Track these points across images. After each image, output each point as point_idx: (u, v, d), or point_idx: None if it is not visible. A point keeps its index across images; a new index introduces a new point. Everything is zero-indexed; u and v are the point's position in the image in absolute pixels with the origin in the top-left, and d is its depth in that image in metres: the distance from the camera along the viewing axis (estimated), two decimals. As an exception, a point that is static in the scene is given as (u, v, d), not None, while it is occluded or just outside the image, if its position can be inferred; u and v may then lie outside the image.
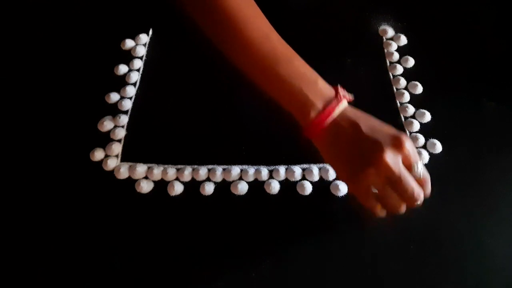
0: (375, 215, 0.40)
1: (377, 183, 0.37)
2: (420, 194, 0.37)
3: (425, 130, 0.50)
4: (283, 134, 0.50)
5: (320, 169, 0.47)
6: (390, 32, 0.59)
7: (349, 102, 0.41)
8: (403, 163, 0.37)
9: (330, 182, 0.46)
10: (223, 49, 0.45)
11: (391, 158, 0.37)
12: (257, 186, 0.46)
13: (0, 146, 0.50)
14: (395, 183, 0.37)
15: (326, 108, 0.40)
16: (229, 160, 0.48)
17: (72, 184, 0.47)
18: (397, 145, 0.37)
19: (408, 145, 0.37)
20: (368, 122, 0.39)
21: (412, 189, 0.37)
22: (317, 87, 0.41)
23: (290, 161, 0.48)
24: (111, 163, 0.48)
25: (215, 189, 0.46)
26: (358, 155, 0.38)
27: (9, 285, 0.42)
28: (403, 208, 0.39)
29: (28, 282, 0.41)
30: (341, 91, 0.41)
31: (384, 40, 0.59)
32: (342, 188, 0.45)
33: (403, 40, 0.58)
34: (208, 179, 0.47)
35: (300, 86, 0.41)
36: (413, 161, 0.38)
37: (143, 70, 0.57)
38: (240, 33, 0.43)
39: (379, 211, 0.39)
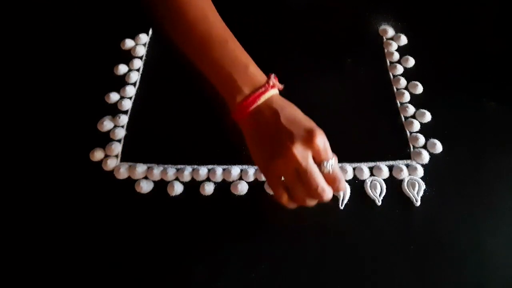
0: (283, 205, 0.40)
1: (285, 174, 0.38)
2: (325, 190, 0.38)
3: (426, 130, 0.49)
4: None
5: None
6: (390, 32, 0.59)
7: (280, 91, 0.42)
8: (314, 158, 0.38)
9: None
10: (167, 29, 0.46)
11: (300, 151, 0.37)
12: (257, 186, 0.46)
13: (0, 146, 0.50)
14: (301, 176, 0.37)
15: (252, 95, 0.41)
16: (229, 160, 0.48)
17: (72, 184, 0.47)
18: (308, 140, 0.37)
19: (319, 140, 0.38)
20: (289, 113, 0.40)
21: (317, 184, 0.37)
22: (247, 72, 0.42)
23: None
24: (111, 163, 0.48)
25: (215, 189, 0.46)
26: (272, 144, 0.39)
27: (9, 285, 0.41)
28: (309, 202, 0.39)
29: (28, 282, 0.41)
30: (272, 80, 0.42)
31: (384, 40, 0.59)
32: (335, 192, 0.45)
33: (403, 40, 0.58)
34: (208, 179, 0.47)
35: (230, 70, 0.42)
36: (322, 157, 0.38)
37: (143, 70, 0.57)
38: (180, 12, 0.44)
39: (285, 202, 0.40)
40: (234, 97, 0.41)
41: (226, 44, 0.44)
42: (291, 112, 0.40)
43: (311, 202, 0.40)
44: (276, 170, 0.38)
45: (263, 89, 0.41)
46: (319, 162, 0.38)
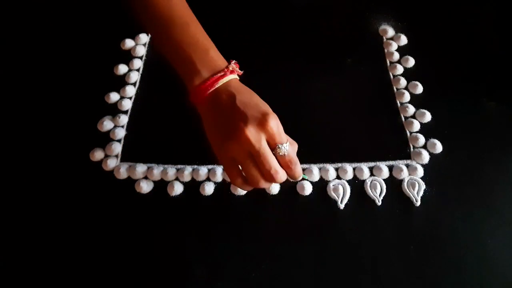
0: (237, 186, 0.41)
1: (238, 155, 0.38)
2: (278, 172, 0.38)
3: (426, 130, 0.50)
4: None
5: (320, 169, 0.47)
6: (390, 32, 0.59)
7: (240, 76, 0.43)
8: (269, 142, 0.38)
9: (328, 182, 0.46)
10: (134, 12, 0.46)
11: (253, 133, 0.38)
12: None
13: (0, 146, 0.50)
14: (255, 157, 0.38)
15: (210, 78, 0.41)
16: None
17: (72, 184, 0.47)
18: (262, 122, 0.38)
19: (273, 123, 0.38)
20: (245, 97, 0.40)
21: (270, 165, 0.38)
22: (207, 56, 0.43)
23: (290, 161, 0.48)
24: (111, 163, 0.48)
25: (215, 189, 0.46)
26: (226, 126, 0.39)
27: (9, 285, 0.42)
28: (263, 184, 0.39)
29: (28, 282, 0.41)
30: (232, 65, 0.42)
31: (384, 40, 0.59)
32: (333, 193, 0.45)
33: (403, 40, 0.58)
34: (208, 179, 0.47)
35: (190, 52, 0.42)
36: (276, 140, 0.38)
37: (143, 70, 0.56)
38: None
39: (240, 184, 0.40)
40: (192, 79, 0.42)
41: (188, 26, 0.44)
42: (247, 96, 0.41)
43: (265, 184, 0.40)
44: (229, 151, 0.39)
45: (222, 73, 0.41)
46: (273, 146, 0.39)
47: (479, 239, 0.42)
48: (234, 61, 0.43)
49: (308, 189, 0.45)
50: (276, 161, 0.39)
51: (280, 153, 0.39)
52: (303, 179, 0.45)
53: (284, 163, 0.40)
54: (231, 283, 0.40)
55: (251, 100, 0.40)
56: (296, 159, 0.40)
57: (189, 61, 0.42)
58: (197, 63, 0.42)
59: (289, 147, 0.39)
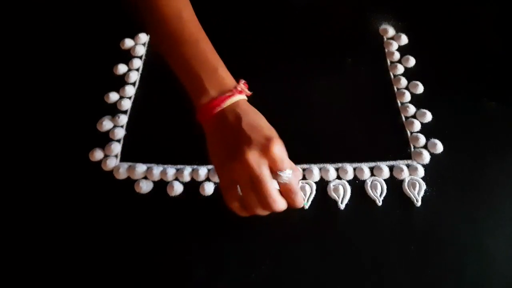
0: (233, 210, 0.40)
1: (239, 178, 0.38)
2: (275, 201, 0.38)
3: (426, 130, 0.49)
4: (283, 134, 0.50)
5: (320, 169, 0.47)
6: (391, 31, 0.59)
7: (248, 98, 0.42)
8: (271, 168, 0.38)
9: (328, 183, 0.46)
10: (145, 27, 0.46)
11: (255, 157, 0.37)
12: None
13: (0, 146, 0.50)
14: (254, 183, 0.37)
15: (218, 98, 0.41)
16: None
17: (71, 184, 0.47)
18: (265, 147, 0.37)
19: (277, 149, 0.37)
20: (252, 119, 0.40)
21: (268, 193, 0.37)
22: (216, 75, 0.42)
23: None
24: (110, 163, 0.48)
25: (215, 189, 0.46)
26: (229, 148, 0.39)
27: (9, 285, 0.41)
28: (260, 211, 0.39)
29: (27, 282, 0.41)
30: (241, 85, 0.42)
31: (385, 39, 0.59)
32: (334, 193, 0.45)
33: (404, 40, 0.58)
34: (207, 179, 0.47)
35: (198, 71, 0.42)
36: (278, 167, 0.38)
37: (142, 70, 0.56)
38: (154, 9, 0.45)
39: (235, 208, 0.40)
40: (200, 98, 0.41)
41: (197, 44, 0.44)
42: (254, 119, 0.40)
43: (262, 212, 0.39)
44: (230, 173, 0.38)
45: (230, 93, 0.41)
46: (275, 172, 0.38)
47: (479, 240, 0.42)
48: (243, 81, 0.43)
49: (308, 189, 0.45)
50: (275, 189, 0.38)
51: (281, 181, 0.38)
52: (304, 205, 0.44)
53: (285, 191, 0.39)
54: (231, 283, 0.40)
55: (257, 123, 0.40)
56: (297, 189, 0.40)
57: (197, 79, 0.42)
58: (205, 82, 0.42)
59: (291, 175, 0.39)
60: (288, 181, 0.38)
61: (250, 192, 0.38)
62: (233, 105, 0.41)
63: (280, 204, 0.39)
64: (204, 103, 0.41)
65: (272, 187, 0.38)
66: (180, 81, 0.44)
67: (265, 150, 0.37)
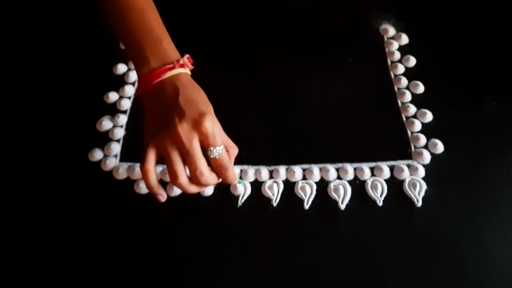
0: (147, 184, 0.40)
1: (165, 150, 0.38)
2: (203, 174, 0.38)
3: (427, 130, 0.49)
4: (283, 134, 0.50)
5: (320, 169, 0.47)
6: (391, 31, 0.59)
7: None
8: (203, 143, 0.38)
9: (328, 183, 0.46)
10: (96, 2, 0.47)
11: (185, 131, 0.38)
12: (257, 186, 0.46)
13: (-1, 146, 0.50)
14: (184, 156, 0.38)
15: (158, 69, 0.41)
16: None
17: (71, 184, 0.47)
18: (197, 122, 0.38)
19: (208, 125, 0.38)
20: (189, 93, 0.40)
21: (196, 166, 0.38)
22: (159, 46, 0.43)
23: (290, 161, 0.47)
24: (110, 163, 0.47)
25: (215, 189, 0.46)
26: (163, 119, 0.39)
27: (8, 285, 0.41)
28: (182, 179, 0.39)
29: (27, 282, 0.41)
30: (184, 59, 0.43)
31: (385, 39, 0.58)
32: (334, 194, 0.45)
33: (404, 39, 0.58)
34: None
35: (142, 41, 0.43)
36: (210, 142, 0.38)
37: (189, 56, 0.56)
38: None
39: (151, 182, 0.40)
40: (141, 67, 0.42)
41: (143, 14, 0.44)
42: (192, 93, 0.41)
43: (191, 188, 0.39)
44: (158, 144, 0.39)
45: (171, 65, 0.41)
46: (207, 147, 0.39)
47: (480, 240, 0.42)
48: (187, 56, 0.43)
49: (307, 191, 0.45)
50: (204, 163, 0.38)
51: (211, 156, 0.39)
52: (239, 182, 0.45)
53: (216, 166, 0.40)
54: (230, 283, 0.40)
55: (194, 98, 0.40)
56: (228, 164, 0.40)
57: (140, 49, 0.43)
58: (148, 52, 0.42)
59: (222, 151, 0.39)
60: (218, 156, 0.39)
61: (175, 163, 0.38)
62: (173, 77, 0.41)
63: (209, 178, 0.39)
64: (144, 73, 0.42)
65: (202, 160, 0.38)
66: (127, 51, 0.44)
67: (196, 124, 0.38)
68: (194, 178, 0.39)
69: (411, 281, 0.40)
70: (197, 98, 0.40)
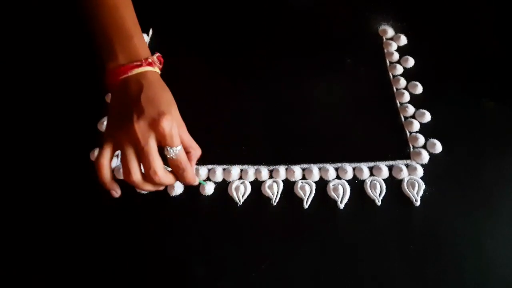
0: (99, 179, 0.39)
1: (124, 147, 0.38)
2: (156, 173, 0.38)
3: (425, 130, 0.50)
4: (283, 134, 0.50)
5: (320, 169, 0.47)
6: (390, 32, 0.59)
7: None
8: (160, 142, 0.38)
9: (327, 182, 0.46)
10: None
11: (142, 129, 0.37)
12: (257, 186, 0.46)
13: (0, 146, 0.50)
14: (140, 154, 0.38)
15: (125, 65, 0.41)
16: (229, 160, 0.48)
17: (72, 184, 0.47)
18: (154, 121, 0.38)
19: (165, 125, 0.38)
20: (153, 93, 0.40)
21: (150, 165, 0.37)
22: (129, 43, 0.43)
23: (289, 161, 0.48)
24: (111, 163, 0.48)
25: (215, 189, 0.46)
26: (123, 116, 0.39)
27: (8, 285, 0.42)
28: (135, 176, 0.38)
29: (27, 281, 0.41)
30: (154, 58, 0.43)
31: (384, 40, 0.59)
32: (333, 193, 0.45)
33: (403, 40, 0.58)
34: (208, 179, 0.47)
35: (113, 36, 0.43)
36: (167, 142, 0.38)
37: (160, 55, 0.56)
38: None
39: (104, 177, 0.39)
40: (109, 62, 0.42)
41: (117, 10, 0.44)
42: (156, 92, 0.40)
43: (145, 185, 0.39)
44: (115, 140, 0.39)
45: (138, 62, 0.41)
46: (164, 147, 0.39)
47: (478, 239, 0.42)
48: (158, 54, 0.43)
49: (307, 190, 0.45)
50: (159, 162, 0.38)
51: (168, 156, 0.39)
52: (200, 184, 0.45)
53: (173, 167, 0.40)
54: (231, 283, 0.40)
55: (157, 97, 0.40)
56: (185, 165, 0.40)
57: (110, 44, 0.43)
58: (117, 47, 0.42)
59: (180, 152, 0.39)
60: (175, 156, 0.39)
61: (130, 161, 0.38)
62: (139, 75, 0.41)
63: (163, 178, 0.39)
64: (111, 68, 0.42)
65: (157, 160, 0.38)
66: (96, 44, 0.44)
67: (154, 123, 0.38)
68: (147, 177, 0.38)
69: (409, 279, 0.40)
70: (159, 97, 0.40)
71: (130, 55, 0.42)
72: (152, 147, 0.38)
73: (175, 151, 0.39)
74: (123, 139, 0.38)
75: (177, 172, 0.40)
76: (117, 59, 0.42)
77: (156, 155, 0.38)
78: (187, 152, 0.41)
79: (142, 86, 0.40)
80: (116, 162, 0.48)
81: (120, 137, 0.38)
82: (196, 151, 0.42)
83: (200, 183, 0.45)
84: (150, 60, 0.42)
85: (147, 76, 0.41)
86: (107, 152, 0.39)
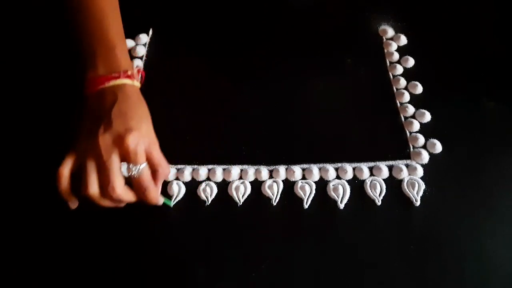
0: (57, 189, 0.39)
1: (86, 159, 0.37)
2: (114, 190, 0.37)
3: (425, 130, 0.50)
4: (283, 134, 0.50)
5: (320, 169, 0.47)
6: (390, 32, 0.59)
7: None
8: (125, 159, 0.38)
9: (328, 182, 0.46)
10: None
11: (106, 143, 0.37)
12: (257, 186, 0.46)
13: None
14: (101, 168, 0.37)
15: (103, 76, 0.41)
16: (229, 160, 0.48)
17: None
18: (120, 136, 0.37)
19: (131, 141, 0.37)
20: (126, 107, 0.40)
21: (109, 180, 0.37)
22: (110, 54, 0.43)
23: (289, 161, 0.48)
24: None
25: (214, 189, 0.46)
26: (92, 127, 0.38)
27: (8, 284, 0.42)
28: (91, 190, 0.37)
29: (26, 281, 0.41)
30: (133, 71, 0.42)
31: (384, 40, 0.59)
32: (333, 193, 0.45)
33: (403, 40, 0.58)
34: (208, 179, 0.47)
35: (95, 45, 0.43)
36: (131, 159, 0.37)
37: (143, 70, 0.56)
38: None
39: (61, 187, 0.39)
40: (88, 71, 0.42)
41: (102, 19, 0.44)
42: (129, 106, 0.40)
43: (102, 201, 0.39)
44: (79, 151, 0.38)
45: (116, 74, 0.41)
46: (128, 164, 0.38)
47: (479, 239, 0.42)
48: (138, 68, 0.44)
49: (307, 190, 0.45)
50: (119, 179, 0.37)
51: (130, 173, 0.38)
52: (165, 204, 0.44)
53: (134, 185, 0.39)
54: (231, 283, 0.41)
55: (129, 112, 0.39)
56: (147, 184, 0.39)
57: (91, 53, 0.43)
58: (98, 58, 0.42)
59: (143, 170, 0.38)
60: (137, 175, 0.38)
61: (89, 174, 0.37)
62: (116, 87, 0.41)
63: (122, 195, 0.38)
64: (90, 78, 0.41)
65: (115, 175, 0.37)
66: (79, 51, 0.44)
67: (119, 139, 0.37)
68: (105, 192, 0.37)
69: (409, 280, 0.40)
70: (132, 112, 0.39)
71: (110, 66, 0.42)
72: (113, 162, 0.37)
73: (138, 169, 0.38)
74: (87, 151, 0.38)
75: (139, 191, 0.39)
76: (97, 69, 0.42)
77: (116, 171, 0.37)
78: (155, 171, 0.40)
79: (116, 99, 0.40)
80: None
81: (83, 148, 0.38)
82: (165, 170, 0.41)
83: (164, 203, 0.43)
84: (129, 73, 0.42)
85: (125, 89, 0.41)
86: (68, 162, 0.39)
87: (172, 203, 0.45)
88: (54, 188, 0.46)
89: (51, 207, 0.45)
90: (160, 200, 0.42)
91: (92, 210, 0.45)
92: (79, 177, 0.39)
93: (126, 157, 0.38)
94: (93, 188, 0.38)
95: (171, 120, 0.52)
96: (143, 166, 0.38)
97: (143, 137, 0.39)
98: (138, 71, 0.43)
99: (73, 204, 0.41)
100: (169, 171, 0.42)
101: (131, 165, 0.38)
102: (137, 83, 0.43)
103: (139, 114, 0.40)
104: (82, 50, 0.44)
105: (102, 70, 0.42)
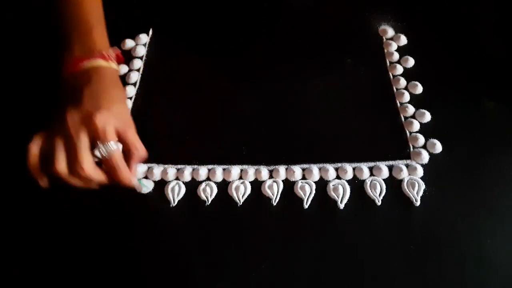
0: (27, 165, 0.39)
1: (54, 136, 0.37)
2: (83, 168, 0.37)
3: (425, 130, 0.50)
4: (283, 134, 0.50)
5: (320, 169, 0.47)
6: (390, 32, 0.59)
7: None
8: (94, 138, 0.37)
9: (327, 182, 0.46)
10: None
11: (74, 121, 0.37)
12: (257, 186, 0.46)
13: (0, 145, 0.50)
14: (69, 146, 0.37)
15: (78, 57, 0.41)
16: (229, 160, 0.48)
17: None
18: (88, 115, 0.37)
19: (99, 120, 0.37)
20: (99, 88, 0.40)
21: (77, 157, 0.37)
22: (87, 36, 0.43)
23: (289, 161, 0.48)
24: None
25: (215, 188, 0.46)
26: (63, 107, 0.38)
27: (7, 284, 0.42)
28: (58, 167, 0.37)
29: (26, 281, 0.42)
30: (110, 52, 0.43)
31: (384, 40, 0.59)
32: (333, 193, 0.45)
33: (403, 40, 0.58)
34: (208, 179, 0.47)
35: (72, 28, 0.43)
36: (99, 138, 0.37)
37: (143, 70, 0.57)
38: None
39: (30, 162, 0.38)
40: (65, 53, 0.42)
41: (81, 5, 0.45)
42: (102, 88, 0.40)
43: (71, 179, 0.38)
44: (47, 128, 0.38)
45: (91, 56, 0.41)
46: (96, 142, 0.38)
47: (479, 239, 0.42)
48: (116, 49, 0.44)
49: (307, 190, 0.45)
50: (87, 157, 0.37)
51: (100, 152, 0.38)
52: (140, 184, 0.43)
53: (104, 164, 0.39)
54: (231, 283, 0.41)
55: (101, 92, 0.39)
56: (117, 164, 0.38)
57: (68, 36, 0.43)
58: (74, 40, 0.43)
59: (112, 149, 0.38)
60: (106, 154, 0.38)
61: (57, 150, 0.37)
62: (92, 69, 0.41)
63: (89, 173, 0.37)
64: (66, 59, 0.42)
65: (83, 153, 0.37)
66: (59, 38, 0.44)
67: (87, 117, 0.37)
68: (73, 170, 0.37)
69: (410, 280, 0.40)
70: (105, 93, 0.39)
71: (85, 47, 0.42)
72: (81, 139, 0.37)
73: (107, 147, 0.38)
74: (55, 129, 0.38)
75: (109, 171, 0.39)
76: (73, 51, 0.42)
77: (84, 148, 0.37)
78: (129, 152, 0.40)
79: (90, 80, 0.40)
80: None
81: (53, 126, 0.38)
82: (140, 152, 0.40)
83: (141, 186, 0.43)
84: (104, 53, 0.42)
85: (100, 71, 0.41)
86: (37, 140, 0.38)
87: (151, 186, 0.44)
88: (56, 186, 0.46)
89: (51, 207, 0.45)
90: (134, 181, 0.41)
91: (92, 210, 0.45)
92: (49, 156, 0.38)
93: (94, 135, 0.37)
94: (61, 165, 0.37)
95: (171, 120, 0.52)
96: (113, 145, 0.38)
97: (113, 117, 0.39)
98: (117, 54, 0.43)
99: (43, 182, 0.40)
100: (145, 154, 0.41)
101: (99, 143, 0.37)
102: (114, 65, 0.43)
103: (112, 95, 0.40)
104: (61, 34, 0.44)
105: (78, 52, 0.42)
